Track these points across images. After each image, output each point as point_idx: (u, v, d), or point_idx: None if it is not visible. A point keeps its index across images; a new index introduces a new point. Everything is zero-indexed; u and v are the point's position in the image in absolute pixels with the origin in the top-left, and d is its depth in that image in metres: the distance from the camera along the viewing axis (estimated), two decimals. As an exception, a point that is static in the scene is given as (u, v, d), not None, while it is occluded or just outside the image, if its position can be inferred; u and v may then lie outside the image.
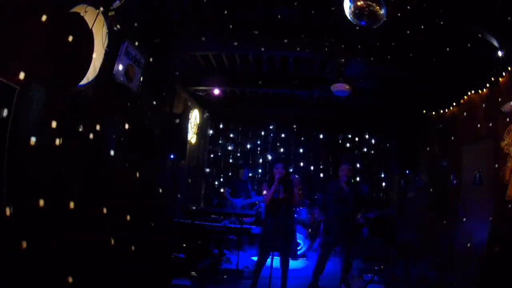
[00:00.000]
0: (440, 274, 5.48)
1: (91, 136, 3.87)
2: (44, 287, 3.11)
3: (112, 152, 4.32)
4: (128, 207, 4.72)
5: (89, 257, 3.74)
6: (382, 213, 7.25)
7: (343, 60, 5.92)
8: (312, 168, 9.89)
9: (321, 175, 9.81)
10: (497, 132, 4.86)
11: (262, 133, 9.99)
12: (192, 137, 7.84)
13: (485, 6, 4.17)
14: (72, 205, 3.50)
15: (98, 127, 4.02)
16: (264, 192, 5.06)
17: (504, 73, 4.81)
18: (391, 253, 6.26)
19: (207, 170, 9.74)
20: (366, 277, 5.68)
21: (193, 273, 5.26)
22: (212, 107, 8.93)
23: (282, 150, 9.90)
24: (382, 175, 9.79)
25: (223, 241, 6.35)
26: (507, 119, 4.64)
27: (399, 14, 4.55)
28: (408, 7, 4.47)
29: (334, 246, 5.58)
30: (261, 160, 9.88)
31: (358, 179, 9.44)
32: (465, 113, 6.02)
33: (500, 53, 4.53)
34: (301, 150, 9.92)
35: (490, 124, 5.12)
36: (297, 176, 7.23)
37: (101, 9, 3.68)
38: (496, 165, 4.82)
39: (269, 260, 4.55)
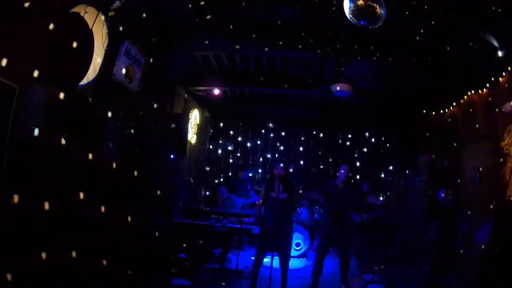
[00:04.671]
0: (440, 274, 5.48)
1: (91, 135, 3.87)
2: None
3: (111, 152, 4.32)
4: (128, 207, 4.72)
5: (88, 257, 3.74)
6: (382, 213, 7.25)
7: (343, 60, 5.92)
8: (312, 168, 9.89)
9: (321, 175, 9.82)
10: (497, 132, 4.86)
11: (262, 132, 9.99)
12: (192, 137, 7.84)
13: (485, 6, 4.17)
14: (67, 203, 3.50)
15: (98, 127, 4.03)
16: (261, 192, 5.09)
17: (504, 73, 4.81)
18: (391, 253, 6.26)
19: (207, 170, 9.75)
20: (366, 277, 5.68)
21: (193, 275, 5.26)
22: (212, 107, 8.93)
23: (282, 150, 9.91)
24: (382, 175, 9.80)
25: (224, 241, 6.34)
26: (507, 119, 4.64)
27: (399, 14, 4.55)
28: (408, 7, 4.47)
29: (331, 246, 5.58)
30: (261, 160, 9.89)
31: (358, 177, 9.45)
32: (465, 113, 6.02)
33: (500, 53, 4.53)
34: (301, 150, 9.92)
35: (490, 124, 5.12)
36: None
37: (101, 9, 3.68)
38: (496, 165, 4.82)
39: (269, 260, 4.55)
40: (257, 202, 5.30)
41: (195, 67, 6.73)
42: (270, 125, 9.97)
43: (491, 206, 4.84)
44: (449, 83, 6.05)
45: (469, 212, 5.47)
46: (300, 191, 9.08)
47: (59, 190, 3.35)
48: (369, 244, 6.68)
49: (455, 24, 4.63)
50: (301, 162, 9.88)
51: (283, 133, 10.01)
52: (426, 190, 7.15)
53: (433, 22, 4.72)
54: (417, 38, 5.25)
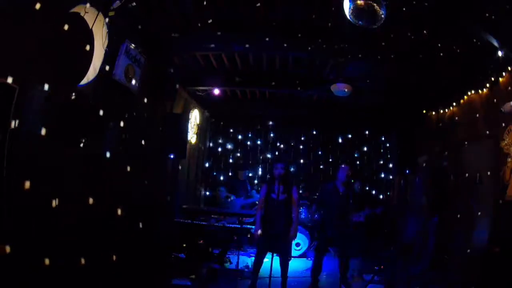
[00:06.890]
0: (440, 274, 5.49)
1: (91, 135, 3.87)
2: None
3: (111, 152, 4.32)
4: (128, 207, 4.71)
5: (89, 257, 3.74)
6: (382, 213, 7.25)
7: (342, 60, 5.91)
8: (311, 168, 9.90)
9: (321, 175, 9.82)
10: (497, 132, 4.86)
11: (262, 132, 10.00)
12: (192, 137, 7.84)
13: (485, 6, 4.17)
14: (68, 203, 3.50)
15: (98, 127, 4.02)
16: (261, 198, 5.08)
17: (504, 73, 4.81)
18: (391, 253, 6.26)
19: (207, 170, 9.75)
20: (366, 277, 5.68)
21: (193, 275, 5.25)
22: (212, 107, 8.93)
23: (281, 150, 9.91)
24: (382, 175, 9.80)
25: (223, 241, 6.35)
26: (507, 119, 4.64)
27: (399, 14, 4.54)
28: (409, 7, 4.47)
29: (330, 246, 5.59)
30: (261, 160, 9.89)
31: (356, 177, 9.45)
32: (465, 113, 6.02)
33: (500, 53, 4.53)
34: (300, 150, 9.93)
35: (490, 124, 5.12)
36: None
37: (101, 9, 3.68)
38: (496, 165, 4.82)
39: (269, 260, 4.56)
40: (257, 205, 5.30)
41: (195, 67, 6.73)
42: (270, 125, 9.98)
43: (491, 206, 4.84)
44: (449, 83, 6.05)
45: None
46: (300, 191, 9.09)
47: (59, 189, 3.35)
48: (369, 244, 6.68)
49: (455, 23, 4.62)
50: (301, 162, 9.89)
51: (283, 133, 10.01)
52: (425, 189, 7.16)
53: (433, 22, 4.71)
54: (417, 37, 5.25)
